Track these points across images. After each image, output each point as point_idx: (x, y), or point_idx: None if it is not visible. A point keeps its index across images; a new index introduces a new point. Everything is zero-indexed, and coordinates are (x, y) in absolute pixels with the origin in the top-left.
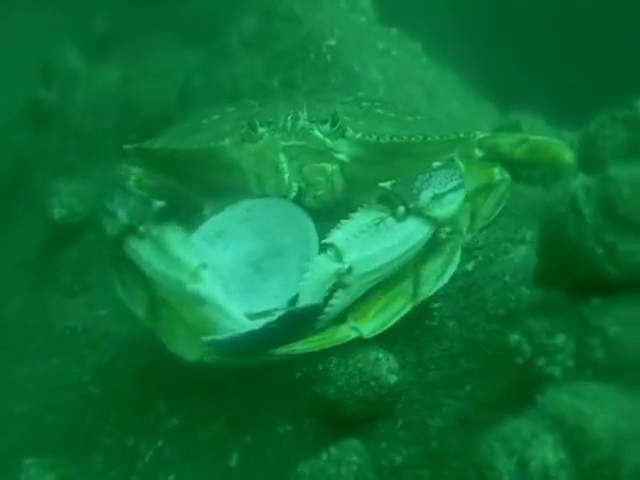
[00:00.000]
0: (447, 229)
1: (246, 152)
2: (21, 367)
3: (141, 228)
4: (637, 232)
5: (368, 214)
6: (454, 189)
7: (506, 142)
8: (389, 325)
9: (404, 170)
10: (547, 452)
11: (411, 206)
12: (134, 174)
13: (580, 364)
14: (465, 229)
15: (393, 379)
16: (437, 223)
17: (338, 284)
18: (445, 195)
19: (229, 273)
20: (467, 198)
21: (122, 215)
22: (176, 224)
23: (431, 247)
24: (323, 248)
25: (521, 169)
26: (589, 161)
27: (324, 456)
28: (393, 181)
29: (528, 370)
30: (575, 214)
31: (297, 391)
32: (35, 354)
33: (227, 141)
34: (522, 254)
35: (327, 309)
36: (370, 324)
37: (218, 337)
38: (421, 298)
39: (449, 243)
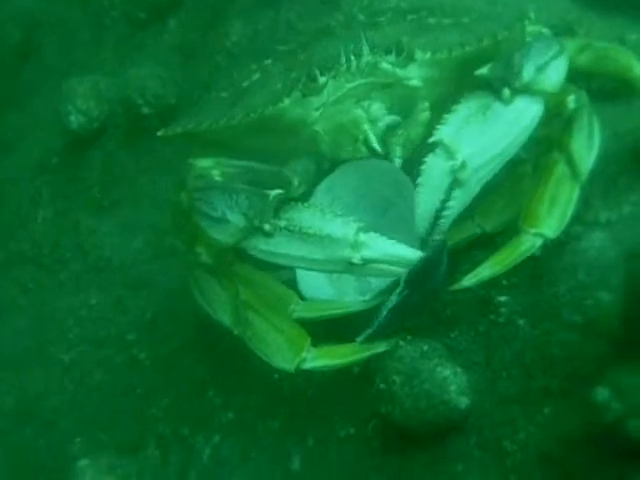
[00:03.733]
0: (572, 97)
1: (311, 107)
2: (58, 299)
3: (266, 227)
4: None
5: (471, 103)
6: (556, 55)
7: (570, 45)
8: (569, 216)
9: None
10: None
11: (516, 85)
12: (211, 167)
13: None
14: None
15: (464, 403)
16: (547, 95)
17: (454, 183)
18: (549, 64)
19: None
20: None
21: (236, 220)
22: (297, 204)
23: (567, 121)
24: (431, 148)
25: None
26: None
27: None
28: (489, 65)
29: (618, 428)
30: None
31: (357, 389)
32: (70, 283)
33: (286, 101)
34: (597, 246)
35: (445, 212)
36: (549, 222)
37: (369, 330)
38: (584, 175)
39: (583, 111)
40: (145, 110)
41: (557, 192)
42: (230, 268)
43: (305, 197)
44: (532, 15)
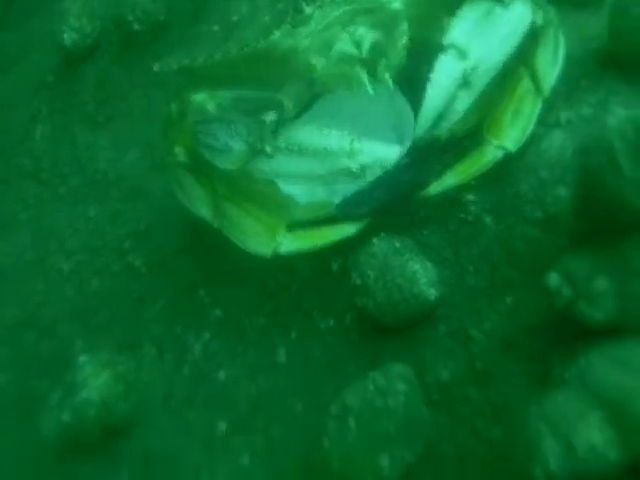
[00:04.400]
0: (539, 13)
1: (300, 36)
2: (57, 212)
3: (267, 149)
4: None
5: (475, 7)
6: None
7: None
8: (530, 129)
9: None
10: (593, 431)
11: None
12: (206, 100)
13: (622, 310)
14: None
15: (433, 295)
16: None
17: (462, 85)
18: None
19: None
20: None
21: (238, 146)
22: (293, 124)
23: (532, 37)
24: (442, 49)
25: None
26: (619, 31)
27: (370, 386)
28: None
29: (569, 310)
30: (613, 165)
31: (335, 284)
32: (69, 196)
33: (277, 33)
34: (557, 145)
35: (451, 115)
36: (511, 135)
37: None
38: (547, 90)
39: (550, 26)
40: (136, 27)
41: (520, 106)
42: (207, 166)
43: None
44: None
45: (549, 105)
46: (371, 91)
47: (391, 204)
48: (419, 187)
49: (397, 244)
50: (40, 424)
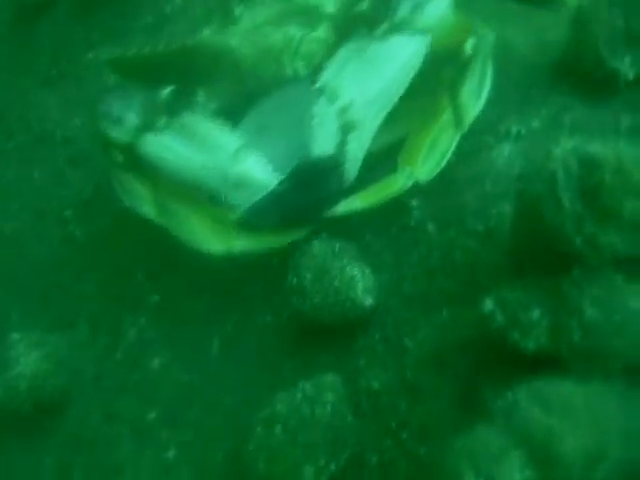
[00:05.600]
0: (471, 40)
1: (230, 34)
2: (4, 171)
3: (159, 123)
4: (619, 224)
5: (351, 44)
6: None
7: None
8: (443, 163)
9: None
10: (514, 470)
11: (392, 22)
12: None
13: (555, 342)
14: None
15: (368, 301)
16: (428, 32)
17: (346, 125)
18: (427, 1)
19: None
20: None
21: (131, 117)
22: (196, 111)
23: (460, 67)
24: (316, 94)
25: None
26: (580, 44)
27: (299, 394)
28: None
29: (501, 338)
30: (553, 197)
31: (275, 278)
32: (15, 153)
33: (206, 31)
34: (505, 155)
35: (347, 156)
36: (424, 166)
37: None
38: (467, 123)
39: (478, 56)
40: None
41: (438, 138)
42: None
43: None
44: None
45: (501, 112)
46: (301, 72)
47: (300, 216)
48: (326, 204)
49: (337, 246)
50: None
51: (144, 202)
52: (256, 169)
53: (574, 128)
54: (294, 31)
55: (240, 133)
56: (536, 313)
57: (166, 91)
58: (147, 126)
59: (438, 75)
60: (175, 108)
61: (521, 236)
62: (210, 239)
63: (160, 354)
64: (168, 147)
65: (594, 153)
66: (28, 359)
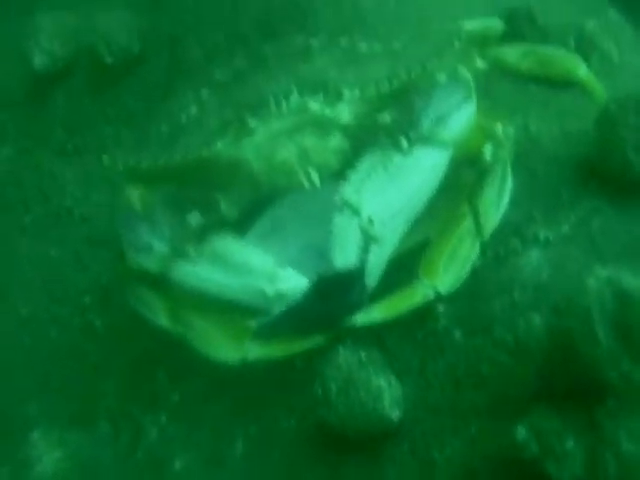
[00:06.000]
0: (489, 147)
1: (245, 146)
2: (20, 247)
3: (189, 251)
4: None
5: (373, 156)
6: (460, 103)
7: (512, 53)
8: (464, 273)
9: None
10: None
11: (415, 135)
12: (136, 196)
13: (590, 473)
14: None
15: (395, 414)
16: (449, 145)
17: (368, 239)
18: (450, 113)
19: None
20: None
21: (159, 246)
22: (224, 232)
23: (480, 174)
24: (339, 206)
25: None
26: (606, 146)
27: None
28: (391, 111)
29: (535, 466)
30: (588, 330)
31: (299, 382)
32: (32, 228)
33: (220, 143)
34: (533, 265)
35: (368, 268)
36: (445, 278)
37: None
38: (488, 232)
39: (497, 164)
40: (108, 60)
41: (458, 247)
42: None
43: (239, 223)
44: (465, 30)
45: (528, 211)
46: (317, 182)
47: (317, 326)
48: (345, 314)
49: (363, 354)
50: None
51: (158, 312)
52: (294, 286)
53: (604, 244)
54: (308, 141)
55: (269, 254)
56: (570, 443)
57: (195, 220)
58: (177, 253)
59: (458, 179)
60: (203, 233)
61: (554, 361)
62: (225, 348)
63: (181, 454)
64: (204, 276)
65: (627, 287)
66: (49, 458)
